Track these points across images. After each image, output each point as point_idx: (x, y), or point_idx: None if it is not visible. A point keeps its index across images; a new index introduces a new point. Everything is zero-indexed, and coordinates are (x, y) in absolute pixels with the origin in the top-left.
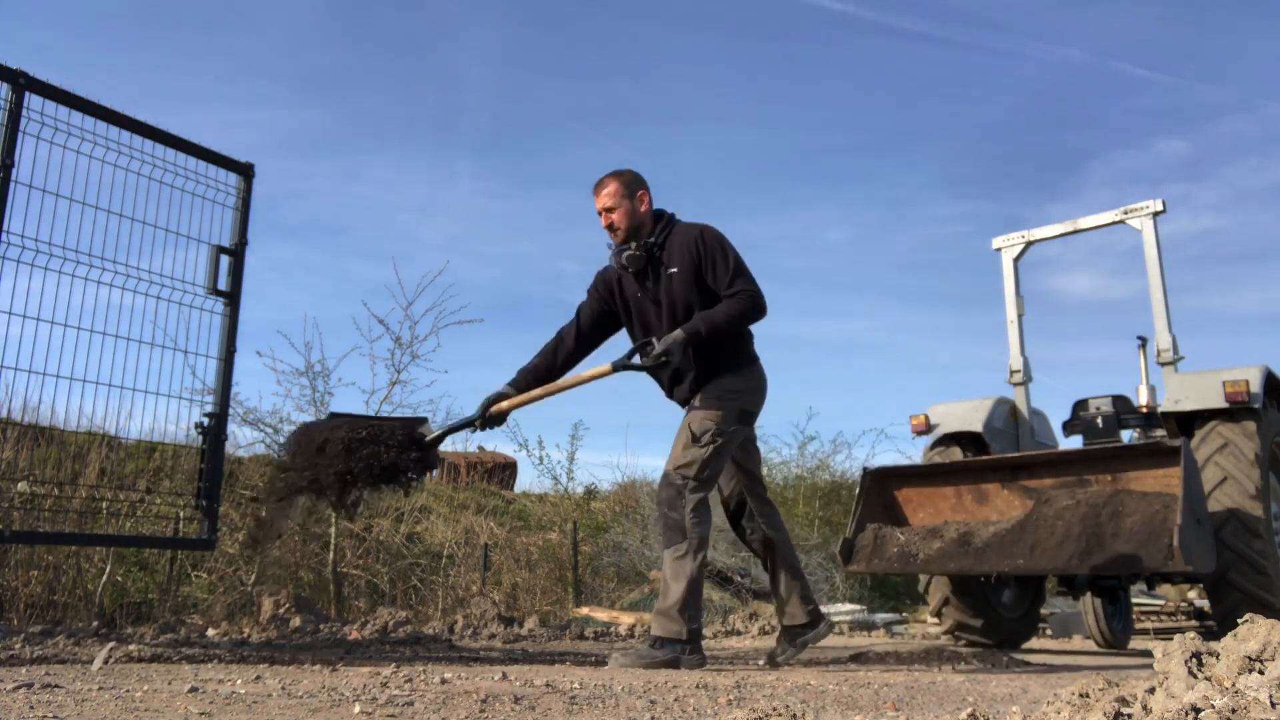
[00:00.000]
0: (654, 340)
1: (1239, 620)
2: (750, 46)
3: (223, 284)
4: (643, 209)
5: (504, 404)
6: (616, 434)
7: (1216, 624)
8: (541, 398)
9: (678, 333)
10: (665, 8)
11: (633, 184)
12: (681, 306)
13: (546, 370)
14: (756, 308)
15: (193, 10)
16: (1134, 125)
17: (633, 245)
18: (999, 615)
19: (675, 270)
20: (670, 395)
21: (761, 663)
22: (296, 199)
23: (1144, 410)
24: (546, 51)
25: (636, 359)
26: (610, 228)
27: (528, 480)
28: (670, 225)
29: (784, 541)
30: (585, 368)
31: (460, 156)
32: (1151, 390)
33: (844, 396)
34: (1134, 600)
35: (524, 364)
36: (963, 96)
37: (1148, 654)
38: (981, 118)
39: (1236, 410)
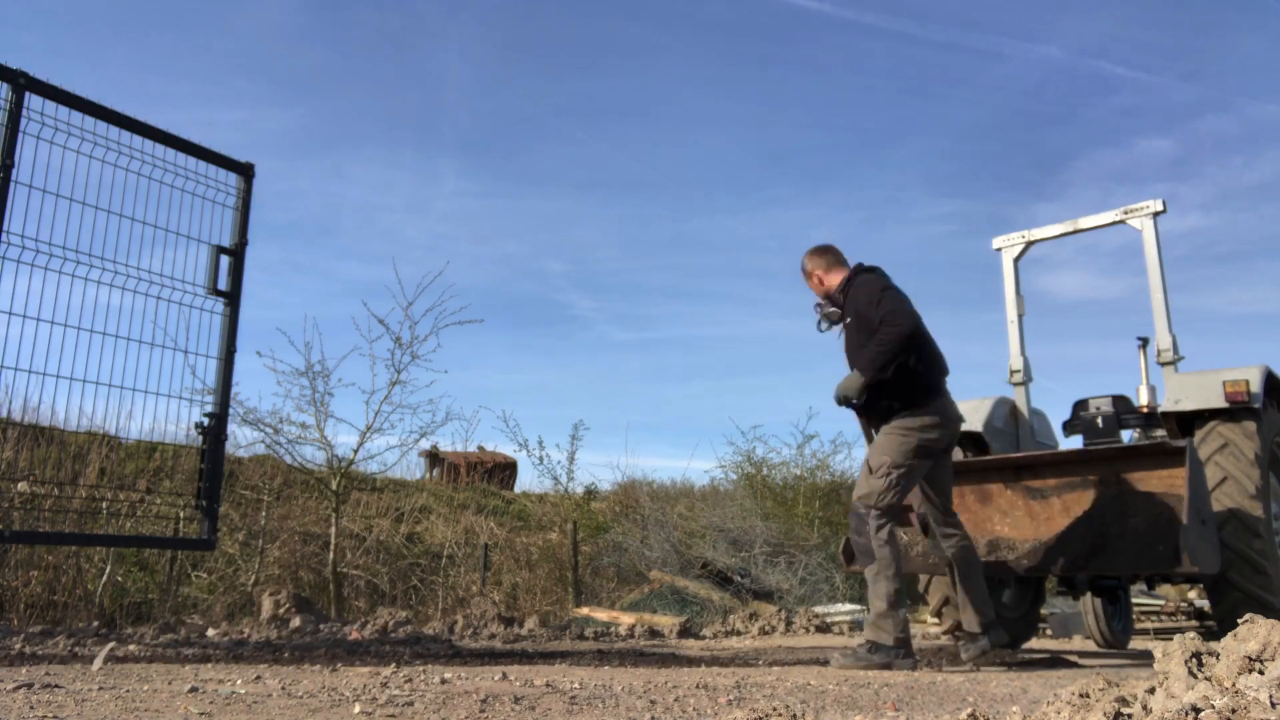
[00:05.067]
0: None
1: (1239, 620)
2: (732, 46)
3: (223, 284)
4: (832, 275)
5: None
6: (616, 434)
7: (1216, 624)
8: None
9: (854, 375)
10: (647, 7)
11: (824, 254)
12: (855, 349)
13: None
14: (895, 337)
15: (172, 10)
16: (1116, 124)
17: (826, 303)
18: (999, 615)
19: (849, 320)
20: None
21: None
22: (280, 199)
23: (1144, 410)
24: (527, 50)
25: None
26: (820, 289)
27: (528, 480)
28: (851, 280)
29: (963, 559)
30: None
31: (444, 156)
32: (1152, 390)
33: None
34: (1134, 600)
35: None
36: (944, 96)
37: (1148, 654)
38: (963, 117)
39: (1236, 410)
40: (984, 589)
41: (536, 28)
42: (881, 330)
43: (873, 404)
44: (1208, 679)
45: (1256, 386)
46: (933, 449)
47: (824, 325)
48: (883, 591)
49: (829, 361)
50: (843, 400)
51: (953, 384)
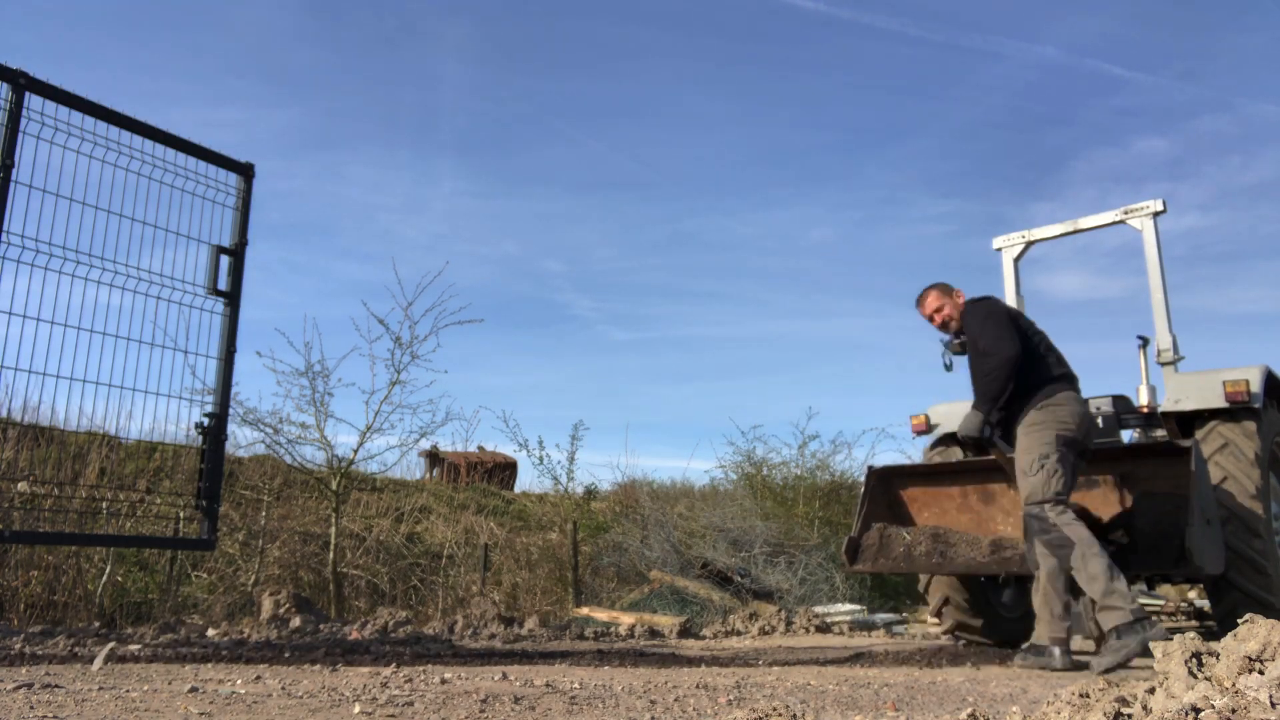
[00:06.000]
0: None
1: (1239, 620)
2: (729, 45)
3: (223, 284)
4: (960, 301)
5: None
6: (616, 434)
7: (1216, 624)
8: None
9: (971, 413)
10: (645, 7)
11: (942, 291)
12: (975, 378)
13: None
14: (995, 367)
15: (170, 10)
16: (1113, 124)
17: (952, 338)
18: (999, 615)
19: (969, 346)
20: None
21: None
22: (279, 199)
23: (1144, 410)
24: (524, 50)
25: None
26: (942, 326)
27: (528, 480)
28: (965, 312)
29: (1051, 569)
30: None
31: (441, 156)
32: (1152, 390)
33: (844, 396)
34: None
35: None
36: (941, 95)
37: (1148, 654)
38: (962, 117)
39: (1237, 410)
40: (1064, 602)
41: (533, 28)
42: (985, 362)
43: (1002, 421)
44: (1208, 679)
45: (1256, 386)
46: (1071, 438)
47: (947, 359)
48: (1096, 569)
49: (829, 361)
50: (966, 439)
51: (952, 384)
